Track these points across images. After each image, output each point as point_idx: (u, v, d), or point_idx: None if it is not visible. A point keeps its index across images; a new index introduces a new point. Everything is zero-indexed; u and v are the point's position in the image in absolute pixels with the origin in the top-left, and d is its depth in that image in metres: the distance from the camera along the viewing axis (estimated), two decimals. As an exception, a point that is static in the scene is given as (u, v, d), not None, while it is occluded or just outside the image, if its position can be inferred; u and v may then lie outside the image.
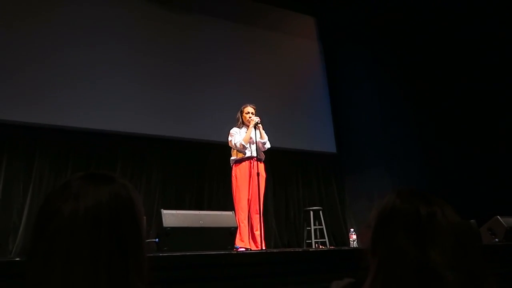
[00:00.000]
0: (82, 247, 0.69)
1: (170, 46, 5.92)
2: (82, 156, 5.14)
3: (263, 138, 4.15)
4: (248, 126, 4.16)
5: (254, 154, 4.10)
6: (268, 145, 4.21)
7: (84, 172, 0.79)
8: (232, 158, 4.22)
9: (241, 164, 4.13)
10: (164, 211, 3.13)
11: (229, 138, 4.21)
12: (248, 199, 4.03)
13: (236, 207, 4.00)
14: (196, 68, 6.03)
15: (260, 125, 4.14)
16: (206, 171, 5.89)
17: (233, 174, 4.14)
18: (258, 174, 3.85)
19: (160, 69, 5.75)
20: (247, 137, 4.11)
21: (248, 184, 4.04)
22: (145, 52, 5.66)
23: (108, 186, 0.76)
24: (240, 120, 4.30)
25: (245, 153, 4.12)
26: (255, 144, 4.08)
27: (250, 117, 4.19)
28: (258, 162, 4.03)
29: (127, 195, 0.77)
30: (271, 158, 4.47)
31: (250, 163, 4.10)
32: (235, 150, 4.17)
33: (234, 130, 4.25)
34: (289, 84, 6.76)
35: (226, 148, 4.34)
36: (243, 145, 4.07)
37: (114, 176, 0.80)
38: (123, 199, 0.76)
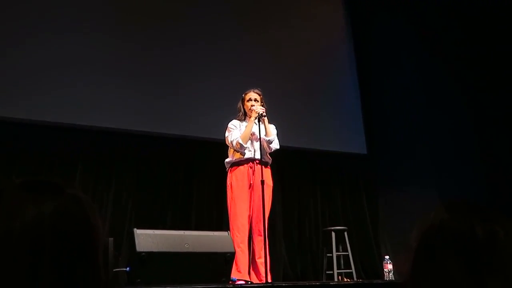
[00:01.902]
0: (16, 281, 0.68)
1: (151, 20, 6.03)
2: (30, 156, 5.16)
3: (268, 135, 4.12)
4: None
5: (257, 155, 4.09)
6: (275, 145, 4.18)
7: (23, 178, 0.79)
8: (227, 160, 4.22)
9: (237, 169, 4.11)
10: (137, 231, 3.14)
11: (226, 134, 4.21)
12: (249, 216, 4.03)
13: (231, 227, 4.01)
14: (182, 45, 6.10)
15: (265, 117, 4.13)
16: (195, 178, 5.90)
17: (227, 181, 4.14)
18: (262, 182, 3.82)
19: (132, 45, 5.83)
20: (246, 132, 4.10)
21: (247, 196, 4.03)
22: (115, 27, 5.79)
23: (54, 199, 0.75)
24: (242, 110, 4.30)
25: (243, 154, 4.11)
26: (258, 142, 4.05)
27: (252, 106, 4.19)
28: (262, 167, 3.98)
29: (80, 211, 0.77)
30: (279, 160, 4.47)
31: (251, 167, 4.09)
32: (232, 150, 4.17)
33: (232, 124, 4.26)
34: (303, 67, 6.81)
35: (222, 147, 4.35)
36: (240, 144, 4.06)
37: (63, 185, 0.79)
38: (73, 217, 0.75)
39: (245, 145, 4.08)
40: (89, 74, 5.45)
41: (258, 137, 4.02)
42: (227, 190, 4.12)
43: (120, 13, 5.86)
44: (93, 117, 5.41)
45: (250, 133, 4.13)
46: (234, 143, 4.10)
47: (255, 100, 4.25)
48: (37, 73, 5.20)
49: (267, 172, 4.15)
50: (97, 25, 5.66)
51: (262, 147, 4.05)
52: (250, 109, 4.19)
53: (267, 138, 4.10)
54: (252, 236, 4.04)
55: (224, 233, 3.60)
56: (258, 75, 6.09)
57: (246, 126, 4.15)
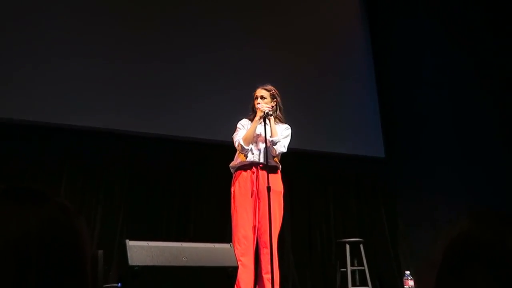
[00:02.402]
0: None
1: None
2: (9, 159, 5.16)
3: (273, 135, 4.14)
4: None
5: (261, 158, 4.10)
6: (280, 148, 4.17)
7: (5, 185, 0.79)
8: (231, 164, 4.24)
9: (241, 174, 4.14)
10: (130, 243, 3.14)
11: (233, 134, 4.26)
12: (254, 226, 4.03)
13: (232, 238, 4.03)
14: (182, 33, 6.17)
15: (271, 116, 4.14)
16: (194, 183, 5.92)
17: (232, 188, 4.16)
18: (268, 188, 3.83)
19: (126, 32, 5.90)
20: (248, 133, 4.13)
21: (251, 204, 4.04)
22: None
23: (39, 208, 0.76)
24: (254, 110, 4.33)
25: (246, 156, 4.13)
26: (264, 144, 4.06)
27: (258, 104, 4.21)
28: (267, 172, 3.96)
29: (67, 221, 0.77)
30: (288, 164, 4.47)
31: (253, 172, 4.11)
32: (238, 152, 4.20)
33: (240, 123, 4.31)
34: (315, 64, 6.87)
35: (226, 150, 4.35)
36: (242, 146, 4.08)
37: (48, 193, 0.80)
38: (60, 228, 0.76)
39: (246, 147, 4.09)
40: (75, 67, 5.51)
41: (264, 138, 4.02)
42: (231, 197, 4.14)
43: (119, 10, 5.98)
44: (78, 116, 5.43)
45: (254, 134, 4.13)
46: (236, 144, 4.14)
47: (262, 97, 4.26)
48: (14, 68, 5.26)
49: (275, 177, 4.14)
50: (88, 19, 5.75)
51: (268, 149, 4.06)
52: (256, 107, 4.22)
53: (271, 139, 4.10)
54: (259, 249, 4.04)
55: (226, 245, 3.60)
56: (268, 73, 6.09)
57: (250, 126, 4.18)
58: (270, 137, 4.10)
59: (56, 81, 5.39)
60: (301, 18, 7.05)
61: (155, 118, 5.81)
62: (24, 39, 5.34)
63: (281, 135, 4.20)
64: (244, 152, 4.11)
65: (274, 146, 4.12)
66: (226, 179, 4.41)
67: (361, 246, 5.62)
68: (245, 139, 4.10)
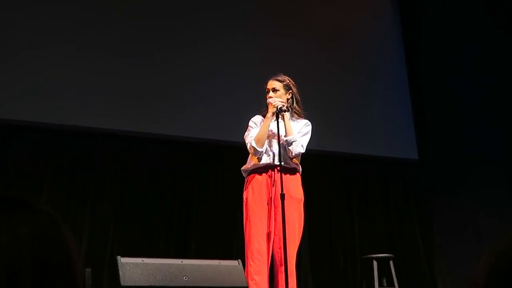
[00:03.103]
0: None
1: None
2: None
3: (288, 134, 4.12)
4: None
5: (276, 160, 4.07)
6: (298, 148, 4.13)
7: None
8: (242, 168, 4.22)
9: (254, 179, 4.12)
10: (122, 260, 3.15)
11: (245, 134, 4.24)
12: (269, 240, 4.01)
13: (245, 253, 4.00)
14: (184, 20, 6.32)
15: (285, 112, 4.11)
16: (196, 190, 5.95)
17: (243, 195, 4.15)
18: (282, 195, 3.80)
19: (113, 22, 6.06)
20: (261, 132, 4.10)
21: (267, 212, 4.02)
22: None
23: (29, 219, 0.77)
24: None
25: (260, 159, 4.12)
26: (277, 145, 4.05)
27: (269, 98, 4.19)
28: (283, 175, 3.95)
29: (56, 232, 0.79)
30: (305, 168, 4.45)
31: (270, 176, 4.09)
32: (251, 154, 4.17)
33: (253, 121, 4.29)
34: (339, 55, 6.98)
35: (236, 151, 4.35)
36: (255, 148, 4.06)
37: (35, 202, 0.82)
38: (50, 239, 0.78)
39: (259, 149, 4.05)
40: (63, 60, 5.65)
41: (278, 137, 3.99)
42: (243, 206, 4.11)
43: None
44: (63, 114, 5.52)
45: (267, 133, 4.10)
46: (248, 146, 4.11)
47: (274, 90, 4.23)
48: None
49: (294, 181, 4.11)
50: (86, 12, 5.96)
51: (283, 149, 4.05)
52: (267, 102, 4.19)
53: (285, 138, 4.08)
54: (275, 265, 4.01)
55: (234, 262, 3.59)
56: (287, 68, 6.08)
57: (262, 125, 4.14)
58: (285, 136, 4.08)
59: (38, 75, 5.50)
60: (324, 10, 7.17)
61: (149, 116, 5.88)
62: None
63: (299, 133, 4.17)
64: (258, 154, 4.08)
65: (289, 147, 4.08)
66: (234, 184, 4.40)
67: (391, 262, 5.61)
68: (257, 140, 4.07)
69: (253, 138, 4.09)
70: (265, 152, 4.10)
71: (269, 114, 4.10)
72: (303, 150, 4.17)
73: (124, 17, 6.14)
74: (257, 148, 4.04)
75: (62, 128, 5.55)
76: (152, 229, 5.67)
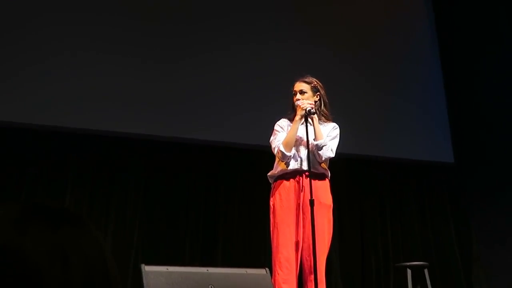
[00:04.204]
0: None
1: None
2: (6, 168, 5.31)
3: (318, 138, 4.07)
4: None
5: (305, 165, 4.04)
6: (327, 152, 4.10)
7: (26, 201, 0.79)
8: (269, 173, 4.19)
9: (282, 185, 4.08)
10: (146, 268, 3.15)
11: (271, 138, 4.21)
12: (298, 247, 3.98)
13: (273, 261, 3.97)
14: (206, 22, 6.38)
15: (314, 115, 4.07)
16: (221, 196, 5.97)
17: (270, 201, 4.12)
18: (312, 201, 3.76)
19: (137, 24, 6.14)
20: (289, 136, 4.06)
21: (295, 219, 3.99)
22: None
23: (78, 236, 0.77)
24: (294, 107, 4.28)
25: (288, 164, 4.07)
26: (307, 150, 4.00)
27: (297, 100, 4.15)
28: (313, 180, 3.92)
29: (102, 253, 0.80)
30: (335, 173, 4.41)
31: (298, 182, 4.05)
32: (278, 159, 4.14)
33: (279, 125, 4.26)
34: (368, 52, 7.00)
35: (262, 156, 4.33)
36: (283, 153, 4.02)
37: (83, 217, 0.82)
38: (99, 263, 0.78)
39: (288, 153, 4.03)
40: (87, 65, 5.75)
41: (306, 141, 3.96)
42: (270, 213, 4.08)
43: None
44: (85, 118, 5.59)
45: (295, 137, 4.07)
46: (276, 151, 4.08)
47: (301, 92, 4.20)
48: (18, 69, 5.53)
49: (323, 187, 4.09)
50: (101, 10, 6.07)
51: (311, 154, 4.00)
52: (295, 104, 4.15)
53: (315, 143, 4.04)
54: (304, 273, 3.98)
55: (261, 271, 3.57)
56: (314, 68, 6.08)
57: (290, 128, 4.10)
58: (314, 140, 4.04)
59: (61, 80, 5.61)
60: (353, 10, 7.20)
61: (175, 121, 5.92)
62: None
63: (328, 137, 4.13)
64: (286, 159, 4.05)
65: (319, 151, 4.04)
66: (261, 190, 4.37)
67: (426, 271, 5.55)
68: (286, 144, 4.03)
69: (280, 142, 4.06)
70: (292, 157, 4.06)
71: (297, 117, 4.06)
72: (333, 155, 4.13)
73: (152, 22, 6.25)
74: (285, 152, 4.01)
75: (87, 132, 5.62)
76: (177, 236, 5.70)
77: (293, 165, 4.06)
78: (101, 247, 0.80)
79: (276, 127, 4.23)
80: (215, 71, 6.23)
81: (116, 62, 5.93)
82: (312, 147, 4.02)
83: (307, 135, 3.94)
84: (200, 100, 6.09)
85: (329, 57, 6.63)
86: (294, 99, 4.20)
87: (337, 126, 4.24)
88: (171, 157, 5.89)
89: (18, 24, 5.68)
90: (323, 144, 4.05)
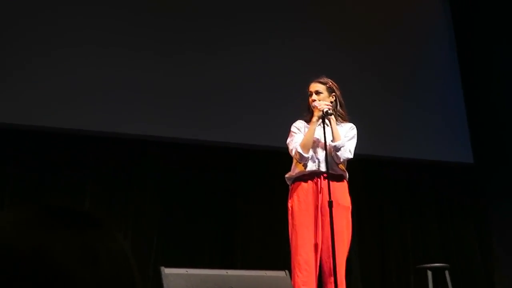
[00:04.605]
0: None
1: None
2: (25, 172, 5.38)
3: (336, 139, 4.07)
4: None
5: (323, 167, 4.04)
6: (346, 154, 4.08)
7: (50, 205, 0.81)
8: (287, 175, 4.20)
9: (300, 186, 4.08)
10: (165, 270, 3.15)
11: (287, 140, 4.21)
12: (317, 249, 3.98)
13: (292, 264, 3.97)
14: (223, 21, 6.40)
15: (331, 116, 4.06)
16: (240, 198, 5.99)
17: (288, 203, 4.12)
18: (330, 203, 3.75)
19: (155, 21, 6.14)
20: (306, 137, 4.06)
21: (313, 222, 3.98)
22: None
23: (110, 236, 0.80)
24: (309, 108, 4.27)
25: (305, 165, 4.08)
26: (324, 151, 4.00)
27: (313, 101, 4.16)
28: (331, 182, 3.92)
29: (125, 253, 0.81)
30: (353, 174, 4.40)
31: (316, 183, 4.05)
32: (295, 161, 4.14)
33: (295, 126, 4.26)
34: (387, 51, 6.98)
35: (281, 157, 4.33)
36: (300, 154, 4.01)
37: (105, 222, 0.83)
38: (124, 263, 0.80)
39: (306, 155, 4.01)
40: (109, 69, 5.79)
41: (324, 143, 3.96)
42: (288, 215, 4.08)
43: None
44: (104, 121, 5.64)
45: (313, 139, 4.06)
46: (293, 152, 4.07)
47: (317, 92, 4.20)
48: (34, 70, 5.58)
49: (341, 188, 4.08)
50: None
51: (329, 155, 4.00)
52: (312, 105, 4.15)
53: (333, 144, 4.03)
54: (323, 275, 3.97)
55: (281, 273, 3.56)
56: (332, 67, 6.09)
57: (307, 130, 4.10)
58: (332, 141, 4.04)
59: (76, 82, 5.65)
60: (369, 7, 7.17)
61: (195, 121, 5.94)
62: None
63: (345, 138, 4.12)
64: (304, 161, 4.04)
65: (337, 152, 4.03)
66: (280, 191, 4.38)
67: (447, 272, 5.51)
68: (303, 146, 4.02)
69: (298, 143, 4.05)
70: (310, 159, 4.06)
71: (314, 118, 4.05)
72: (351, 156, 4.12)
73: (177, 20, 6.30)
74: (303, 153, 4.00)
75: (106, 135, 5.67)
76: (196, 238, 5.71)
77: (311, 166, 4.05)
78: (123, 248, 0.81)
79: (293, 128, 4.23)
80: (235, 71, 6.24)
81: (140, 64, 5.96)
82: (330, 149, 4.03)
83: (324, 136, 3.93)
84: (218, 101, 6.11)
85: (345, 57, 6.61)
86: (310, 100, 4.20)
87: (354, 126, 4.23)
88: (190, 159, 5.89)
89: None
90: (341, 146, 4.03)
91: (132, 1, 6.21)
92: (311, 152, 4.06)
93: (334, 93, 4.21)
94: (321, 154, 4.06)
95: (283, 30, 6.64)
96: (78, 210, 0.81)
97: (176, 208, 5.73)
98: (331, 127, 4.06)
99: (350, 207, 4.11)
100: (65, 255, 0.73)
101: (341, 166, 4.12)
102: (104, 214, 5.41)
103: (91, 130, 5.60)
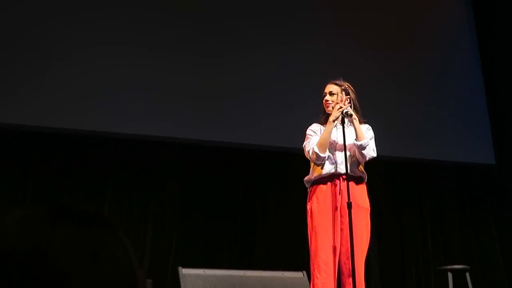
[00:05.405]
0: None
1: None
2: (44, 174, 5.45)
3: (360, 139, 4.06)
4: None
5: (341, 168, 4.04)
6: (370, 152, 4.07)
7: (63, 205, 0.82)
8: (306, 178, 4.21)
9: (318, 188, 4.07)
10: (183, 271, 3.19)
11: (304, 143, 4.22)
12: (335, 251, 3.98)
13: (311, 265, 3.96)
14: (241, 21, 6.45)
15: (352, 116, 4.03)
16: (259, 199, 6.00)
17: (307, 206, 4.13)
18: (349, 204, 3.75)
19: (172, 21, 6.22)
20: (323, 137, 4.04)
21: (332, 223, 3.98)
22: None
23: (113, 236, 0.80)
24: (323, 111, 4.28)
25: (322, 167, 4.08)
26: (343, 152, 4.00)
27: (327, 103, 4.18)
28: (350, 183, 3.91)
29: (128, 254, 0.81)
30: (372, 176, 4.40)
31: (335, 185, 4.06)
32: (313, 164, 4.15)
33: (311, 129, 4.25)
34: (409, 52, 6.98)
35: (300, 159, 4.35)
36: (317, 153, 4.02)
37: (111, 221, 0.84)
38: (126, 263, 0.79)
39: (322, 154, 4.00)
40: (118, 68, 5.85)
41: (342, 144, 3.93)
42: (307, 217, 4.09)
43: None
44: (124, 123, 5.70)
45: (330, 139, 4.07)
46: (310, 153, 4.07)
47: (330, 93, 4.20)
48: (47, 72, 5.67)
49: (360, 190, 4.06)
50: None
51: (348, 157, 3.99)
52: (327, 107, 4.17)
53: (359, 143, 4.02)
54: (341, 277, 3.97)
55: (298, 274, 3.59)
56: (354, 69, 6.11)
57: (324, 130, 4.10)
58: (356, 140, 4.04)
59: (94, 86, 5.72)
60: (391, 8, 7.17)
61: (214, 124, 5.96)
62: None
63: (368, 138, 4.12)
64: (320, 161, 4.03)
65: (362, 151, 4.02)
66: (300, 193, 4.38)
67: (467, 274, 5.50)
68: (320, 145, 4.01)
69: (315, 144, 4.07)
70: (329, 160, 4.08)
71: (331, 118, 4.02)
72: (375, 154, 4.11)
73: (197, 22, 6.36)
74: (319, 153, 3.99)
75: (126, 137, 5.72)
76: (215, 239, 5.73)
77: (329, 169, 4.04)
78: (127, 248, 0.81)
79: (309, 131, 4.22)
80: (257, 74, 6.25)
81: (166, 66, 6.02)
82: (351, 149, 4.02)
83: (343, 137, 3.89)
84: (239, 104, 6.14)
85: (367, 58, 6.61)
86: (324, 100, 4.23)
87: (370, 127, 4.23)
88: (209, 161, 5.91)
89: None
90: (366, 144, 4.01)
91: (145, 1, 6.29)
92: (327, 153, 4.07)
93: (348, 96, 4.18)
94: (339, 155, 4.04)
95: (309, 31, 6.67)
96: (83, 209, 0.82)
97: (195, 209, 5.74)
98: (355, 126, 4.02)
99: (369, 208, 4.09)
100: (64, 252, 0.73)
101: (360, 167, 4.12)
102: (124, 216, 5.47)
103: (111, 132, 5.65)
